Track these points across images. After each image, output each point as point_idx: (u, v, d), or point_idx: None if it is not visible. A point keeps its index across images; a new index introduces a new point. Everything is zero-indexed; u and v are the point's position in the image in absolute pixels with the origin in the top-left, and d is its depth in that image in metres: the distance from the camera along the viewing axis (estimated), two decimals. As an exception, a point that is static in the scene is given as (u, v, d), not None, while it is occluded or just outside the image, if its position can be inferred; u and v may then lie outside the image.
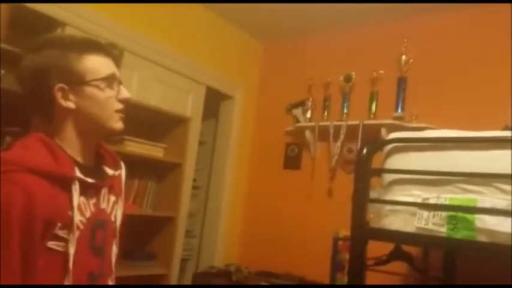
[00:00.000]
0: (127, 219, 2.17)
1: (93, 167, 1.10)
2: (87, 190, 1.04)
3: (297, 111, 3.30)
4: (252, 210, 3.46)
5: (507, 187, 1.35)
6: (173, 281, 2.77)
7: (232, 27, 3.39)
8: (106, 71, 1.05)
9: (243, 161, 3.51)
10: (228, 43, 3.38)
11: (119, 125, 1.08)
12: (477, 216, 1.36)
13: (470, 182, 1.42)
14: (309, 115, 3.22)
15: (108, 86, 1.05)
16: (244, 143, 3.53)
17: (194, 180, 3.28)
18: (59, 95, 1.01)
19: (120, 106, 1.07)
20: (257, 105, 3.63)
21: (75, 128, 1.05)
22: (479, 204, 1.37)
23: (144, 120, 2.60)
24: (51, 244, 0.96)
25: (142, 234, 2.67)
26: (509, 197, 1.34)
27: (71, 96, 1.02)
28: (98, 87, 1.04)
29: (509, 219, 1.31)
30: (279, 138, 3.40)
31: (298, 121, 3.26)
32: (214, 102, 3.43)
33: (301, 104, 3.28)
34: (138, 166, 2.55)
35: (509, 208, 1.33)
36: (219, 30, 3.31)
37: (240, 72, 3.51)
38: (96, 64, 1.04)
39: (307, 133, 3.18)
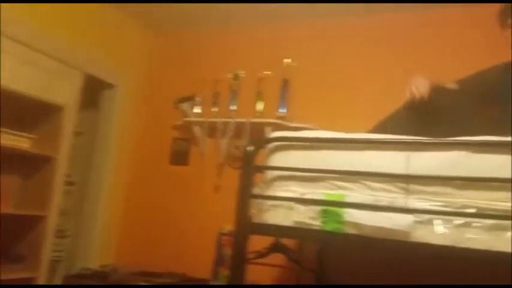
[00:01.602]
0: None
1: None
2: None
3: (186, 106, 3.25)
4: (134, 208, 3.31)
5: (373, 184, 1.49)
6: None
7: (119, 13, 3.20)
8: None
9: (125, 156, 3.34)
10: (113, 29, 3.18)
11: None
12: (346, 210, 1.48)
13: (341, 179, 1.54)
14: (198, 110, 3.20)
15: None
16: (128, 136, 3.36)
17: (68, 176, 3.01)
18: None
19: None
20: (144, 96, 3.48)
21: None
22: (347, 199, 1.50)
23: (10, 108, 2.31)
24: None
25: (7, 234, 2.39)
26: (375, 193, 1.48)
27: None
28: None
29: (374, 213, 1.44)
30: (166, 133, 3.31)
31: (186, 116, 3.21)
32: (95, 90, 3.19)
33: (190, 98, 3.24)
34: (1, 159, 2.26)
35: (374, 203, 1.46)
36: (103, 15, 3.09)
37: (125, 61, 3.33)
38: None
39: (196, 128, 3.15)
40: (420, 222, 1.40)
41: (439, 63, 2.59)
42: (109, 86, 3.25)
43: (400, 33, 2.84)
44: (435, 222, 1.39)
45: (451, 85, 1.97)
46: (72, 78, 2.89)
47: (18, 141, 2.26)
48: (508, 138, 1.39)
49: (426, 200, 1.43)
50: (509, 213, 1.31)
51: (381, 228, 1.43)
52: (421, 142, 1.49)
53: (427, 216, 1.40)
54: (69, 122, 2.74)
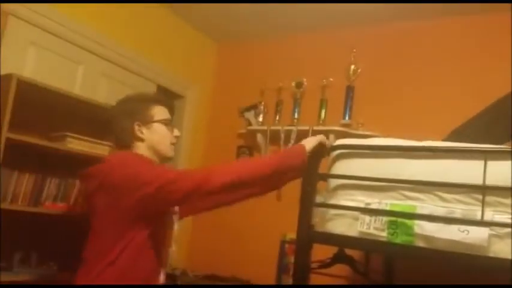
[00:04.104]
0: (68, 220, 2.10)
1: None
2: None
3: (250, 115, 3.31)
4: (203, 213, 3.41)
5: (446, 195, 1.41)
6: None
7: (187, 25, 3.35)
8: (166, 116, 1.66)
9: (194, 163, 3.46)
10: (181, 42, 3.33)
11: (172, 153, 1.67)
12: (416, 222, 1.41)
13: (411, 189, 1.47)
14: (261, 119, 3.24)
15: (166, 125, 1.64)
16: (196, 144, 3.48)
17: (142, 181, 3.18)
18: (136, 128, 1.59)
19: (174, 140, 1.66)
20: (210, 106, 3.60)
21: (144, 152, 1.59)
22: (419, 211, 1.42)
23: (89, 117, 2.49)
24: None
25: (85, 236, 2.55)
26: (448, 205, 1.40)
27: (144, 130, 1.60)
28: (160, 124, 1.62)
29: (447, 226, 1.37)
30: (231, 141, 3.39)
31: (250, 124, 3.27)
32: (165, 101, 3.36)
33: (253, 107, 3.30)
34: (81, 165, 2.43)
35: (447, 215, 1.39)
36: (173, 28, 3.25)
37: (192, 72, 3.46)
38: (161, 111, 1.65)
39: (259, 136, 3.19)
40: (497, 236, 1.31)
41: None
42: (179, 96, 3.40)
43: (470, 36, 2.68)
44: (515, 236, 1.29)
45: None
46: (146, 90, 3.06)
47: (98, 148, 2.42)
48: None
49: (503, 213, 1.33)
50: None
51: (454, 242, 1.35)
52: (499, 150, 1.39)
53: (505, 230, 1.30)
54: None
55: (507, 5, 2.49)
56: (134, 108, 1.61)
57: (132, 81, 2.96)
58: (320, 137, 1.70)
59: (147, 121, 1.60)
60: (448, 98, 2.64)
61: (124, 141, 1.61)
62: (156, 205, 1.45)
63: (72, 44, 2.55)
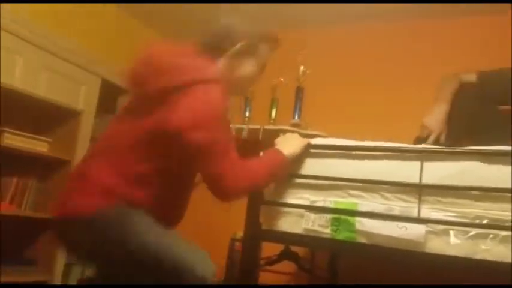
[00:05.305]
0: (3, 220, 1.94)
1: None
2: None
3: (200, 112, 3.26)
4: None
5: (388, 194, 1.46)
6: (55, 288, 2.56)
7: (133, 20, 3.26)
8: (266, 60, 1.60)
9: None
10: (129, 36, 3.23)
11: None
12: (357, 219, 1.46)
13: (355, 187, 1.52)
14: (211, 116, 3.20)
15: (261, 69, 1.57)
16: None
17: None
18: (238, 45, 1.49)
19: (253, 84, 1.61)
20: (159, 103, 3.51)
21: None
22: (360, 208, 1.47)
23: (28, 112, 2.37)
24: None
25: (21, 237, 2.42)
26: (389, 203, 1.46)
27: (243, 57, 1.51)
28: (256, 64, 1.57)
29: (387, 222, 1.42)
30: (180, 139, 3.33)
31: (200, 122, 3.22)
32: (111, 96, 3.24)
33: (204, 105, 3.25)
34: (18, 162, 2.30)
35: (386, 212, 1.44)
36: (119, 22, 3.16)
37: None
38: (267, 53, 1.61)
39: (209, 134, 3.15)
40: (434, 233, 1.38)
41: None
42: (125, 92, 3.29)
43: (414, 40, 2.81)
44: (450, 232, 1.36)
45: (471, 77, 1.89)
46: (90, 84, 2.95)
47: (37, 144, 2.30)
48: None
49: (440, 210, 1.40)
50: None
51: (393, 238, 1.40)
52: (435, 151, 1.46)
53: (441, 227, 1.37)
54: (86, 126, 2.78)
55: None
56: (249, 33, 1.49)
57: (75, 75, 2.83)
58: (305, 143, 1.59)
59: (249, 52, 1.48)
60: (392, 98, 2.75)
61: (218, 45, 1.47)
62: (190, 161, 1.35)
63: (11, 34, 2.40)
